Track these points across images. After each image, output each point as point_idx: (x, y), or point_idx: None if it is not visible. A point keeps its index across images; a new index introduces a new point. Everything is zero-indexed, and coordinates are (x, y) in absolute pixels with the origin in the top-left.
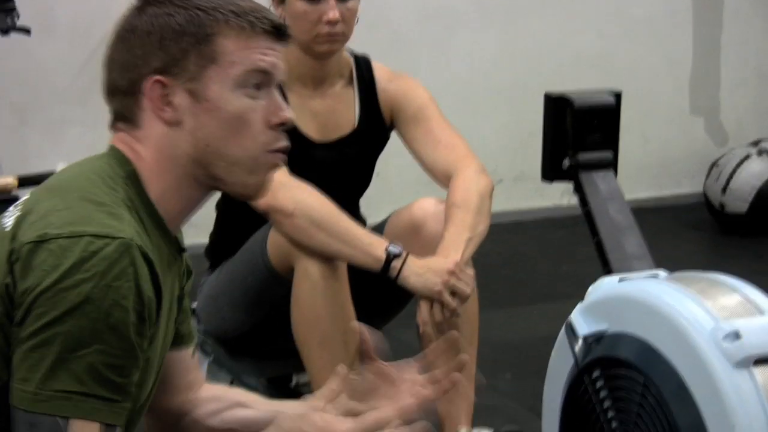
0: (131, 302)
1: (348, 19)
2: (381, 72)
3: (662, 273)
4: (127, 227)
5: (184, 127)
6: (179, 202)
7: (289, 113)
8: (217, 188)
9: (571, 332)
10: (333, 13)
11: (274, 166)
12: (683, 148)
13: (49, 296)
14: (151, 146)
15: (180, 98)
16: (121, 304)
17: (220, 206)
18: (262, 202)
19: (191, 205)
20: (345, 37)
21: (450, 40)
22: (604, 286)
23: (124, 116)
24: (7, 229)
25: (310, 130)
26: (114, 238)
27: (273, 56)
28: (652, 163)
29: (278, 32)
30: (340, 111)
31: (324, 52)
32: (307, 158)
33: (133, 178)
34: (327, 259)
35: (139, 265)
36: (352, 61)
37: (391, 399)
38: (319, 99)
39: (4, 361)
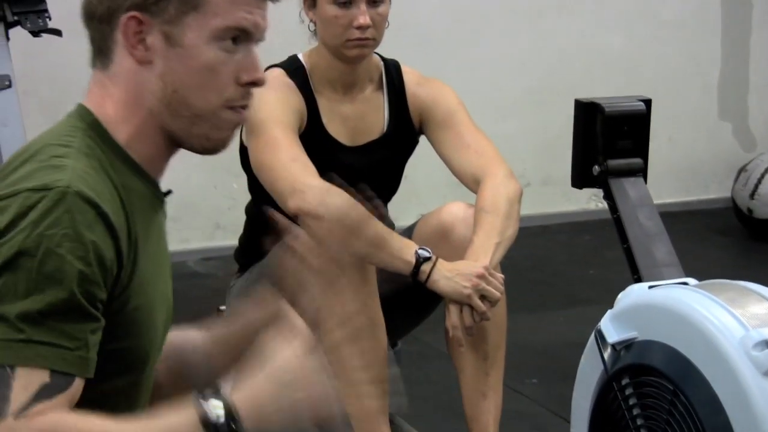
0: (67, 249)
1: (378, 24)
2: (410, 76)
3: (692, 281)
4: (69, 174)
5: (154, 68)
6: (150, 147)
7: (261, 73)
8: (180, 141)
9: (601, 339)
10: (364, 18)
11: (237, 124)
12: (711, 153)
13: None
14: (121, 83)
15: (154, 39)
16: (56, 251)
17: (249, 210)
18: (291, 205)
19: (161, 153)
20: (375, 42)
21: (478, 42)
22: (634, 294)
23: (99, 48)
24: None
25: (340, 134)
26: (50, 188)
27: (258, 15)
28: (679, 167)
29: None
30: (369, 115)
31: (354, 57)
32: (337, 162)
33: (95, 127)
34: (356, 262)
35: (78, 211)
36: (381, 65)
37: None
38: (349, 103)
39: None
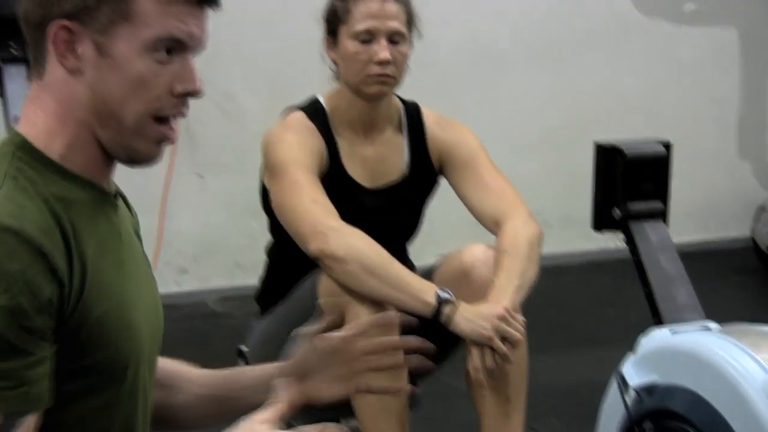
0: None
1: (399, 62)
2: (430, 118)
3: (713, 324)
4: None
5: (85, 78)
6: (87, 156)
7: (197, 84)
8: (109, 152)
9: (623, 383)
10: (384, 53)
11: (163, 139)
12: (730, 191)
13: None
14: (53, 93)
15: (85, 48)
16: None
17: (270, 251)
18: (312, 247)
19: (100, 160)
20: (395, 80)
21: (497, 82)
22: (656, 338)
23: (34, 56)
24: None
25: (360, 176)
26: None
27: (192, 24)
28: (698, 206)
29: None
30: (389, 157)
31: (374, 94)
32: (357, 204)
33: (23, 147)
34: (377, 304)
35: None
36: (401, 107)
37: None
38: (369, 145)
39: None
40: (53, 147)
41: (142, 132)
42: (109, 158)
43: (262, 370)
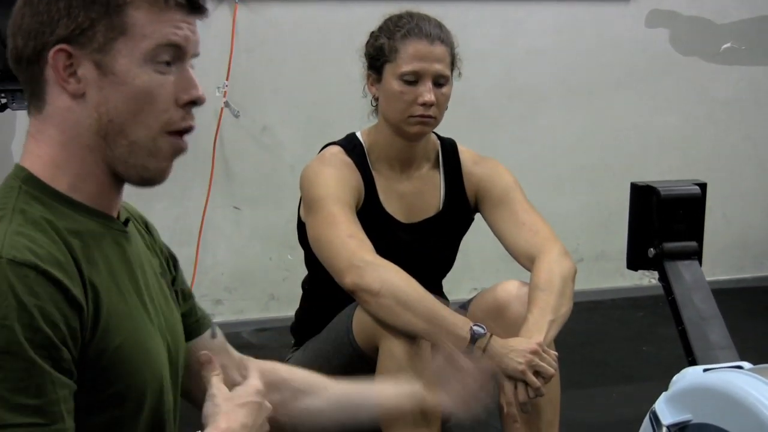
0: (14, 319)
1: (441, 104)
2: (466, 155)
3: (746, 364)
4: (1, 241)
5: (88, 100)
6: (95, 185)
7: (200, 91)
8: (119, 174)
9: (656, 421)
10: (429, 96)
11: (177, 152)
12: (765, 230)
13: None
14: (56, 123)
15: (85, 69)
16: (5, 325)
17: (306, 284)
18: (348, 281)
19: (109, 188)
20: (436, 121)
21: (533, 119)
22: (689, 377)
23: (31, 91)
24: None
25: (396, 211)
26: None
27: (186, 29)
28: (733, 244)
29: (192, 5)
30: (425, 193)
31: (415, 134)
32: (393, 239)
33: (30, 181)
34: (411, 338)
35: (15, 277)
36: (438, 144)
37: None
38: (406, 181)
39: None
40: (60, 179)
41: (156, 148)
42: (117, 185)
43: (385, 390)
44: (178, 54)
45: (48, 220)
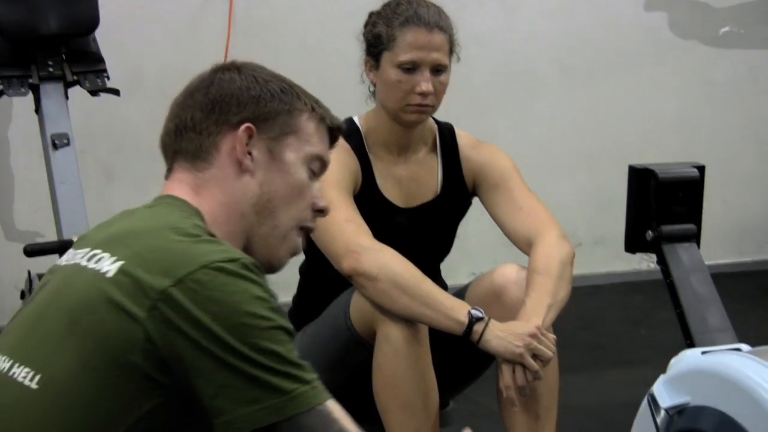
0: (272, 305)
1: (439, 92)
2: (464, 140)
3: (745, 347)
4: (231, 247)
5: (255, 178)
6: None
7: (328, 204)
8: (249, 251)
9: (654, 404)
10: (426, 85)
11: (295, 251)
12: (765, 214)
13: (238, 325)
14: (222, 186)
15: (259, 151)
16: (272, 307)
17: (303, 269)
18: (346, 266)
19: None
20: (433, 108)
21: (531, 103)
22: (687, 359)
23: (193, 154)
24: (109, 275)
25: (394, 196)
26: (234, 260)
27: (329, 154)
28: (732, 228)
29: (337, 135)
30: (423, 178)
31: (412, 122)
32: (391, 223)
33: (198, 216)
34: (409, 323)
35: (260, 275)
36: (435, 128)
37: None
38: (403, 165)
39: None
40: (214, 231)
41: (287, 238)
42: None
43: None
44: (320, 170)
45: None
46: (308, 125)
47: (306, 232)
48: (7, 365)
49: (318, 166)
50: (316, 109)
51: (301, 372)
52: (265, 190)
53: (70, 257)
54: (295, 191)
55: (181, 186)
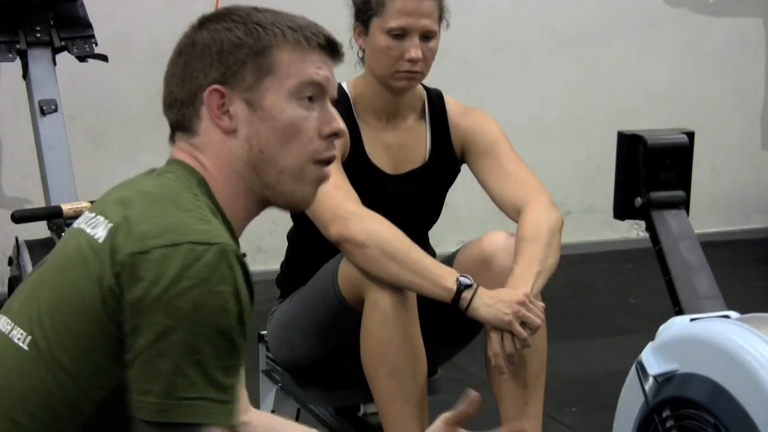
0: (233, 306)
1: (428, 59)
2: (453, 106)
3: (734, 314)
4: (220, 232)
5: (239, 135)
6: (240, 211)
7: (341, 124)
8: (267, 200)
9: (642, 371)
10: (416, 52)
11: (321, 179)
12: (753, 182)
13: (157, 306)
14: (210, 153)
15: (237, 107)
16: (226, 308)
17: (291, 236)
18: (333, 232)
19: (248, 216)
20: (422, 75)
21: (520, 71)
22: (676, 326)
23: (182, 125)
24: (100, 240)
25: (382, 162)
26: (211, 244)
27: (326, 70)
28: (722, 197)
29: (331, 48)
30: (411, 144)
31: (401, 88)
32: (379, 190)
33: (203, 185)
34: (397, 290)
35: (236, 268)
36: (424, 94)
37: None
38: (392, 132)
39: (114, 366)
40: (217, 195)
41: (302, 175)
42: (254, 212)
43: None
44: (319, 92)
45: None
46: (282, 57)
47: (327, 162)
48: (9, 327)
49: (314, 90)
50: (288, 35)
51: (211, 390)
52: (254, 144)
53: (81, 220)
54: (288, 132)
55: (182, 154)
